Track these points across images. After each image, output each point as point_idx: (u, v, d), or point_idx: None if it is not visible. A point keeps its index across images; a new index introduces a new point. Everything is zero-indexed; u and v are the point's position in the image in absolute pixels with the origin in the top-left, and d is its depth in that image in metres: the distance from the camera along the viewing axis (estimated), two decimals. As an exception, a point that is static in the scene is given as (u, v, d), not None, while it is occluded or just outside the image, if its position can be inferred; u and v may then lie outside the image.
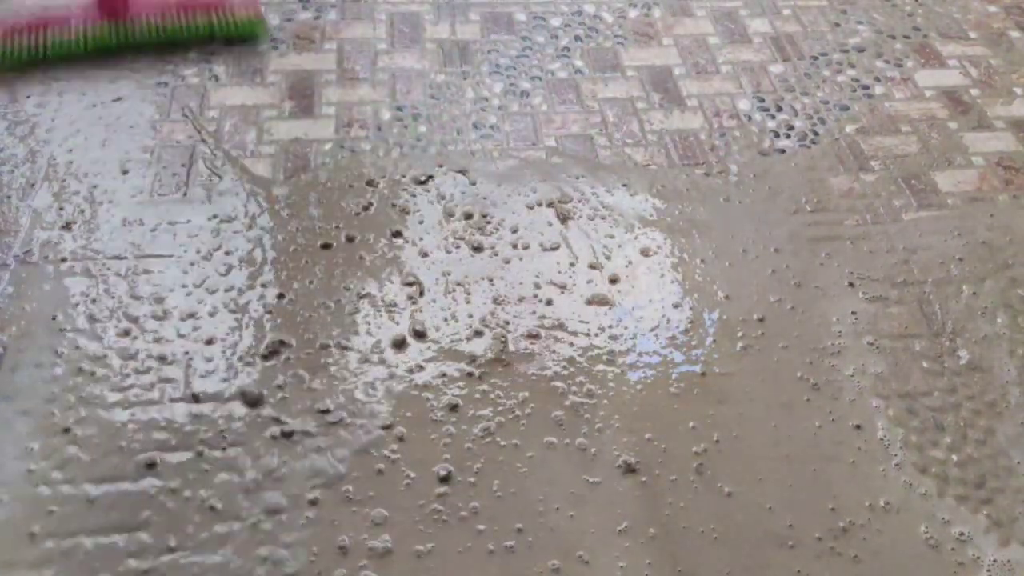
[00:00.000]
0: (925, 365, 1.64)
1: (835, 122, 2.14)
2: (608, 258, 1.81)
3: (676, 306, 1.73)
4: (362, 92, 2.14)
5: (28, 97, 2.08)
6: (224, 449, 1.46)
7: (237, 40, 2.23)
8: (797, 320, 1.71)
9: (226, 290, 1.69)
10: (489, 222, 1.86)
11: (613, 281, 1.76)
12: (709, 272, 1.79)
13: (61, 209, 1.82)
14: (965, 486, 1.48)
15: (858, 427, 1.55)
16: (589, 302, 1.73)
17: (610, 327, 1.68)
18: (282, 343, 1.61)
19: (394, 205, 1.88)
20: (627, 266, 1.79)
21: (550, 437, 1.51)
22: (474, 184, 1.94)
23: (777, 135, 2.10)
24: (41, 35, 2.09)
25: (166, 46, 2.20)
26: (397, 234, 1.82)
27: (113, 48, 2.15)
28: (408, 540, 1.37)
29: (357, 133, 2.04)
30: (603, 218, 1.88)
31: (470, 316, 1.68)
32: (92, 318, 1.63)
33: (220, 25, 2.21)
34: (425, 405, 1.54)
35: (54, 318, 1.62)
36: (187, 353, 1.58)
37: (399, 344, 1.63)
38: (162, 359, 1.57)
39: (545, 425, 1.52)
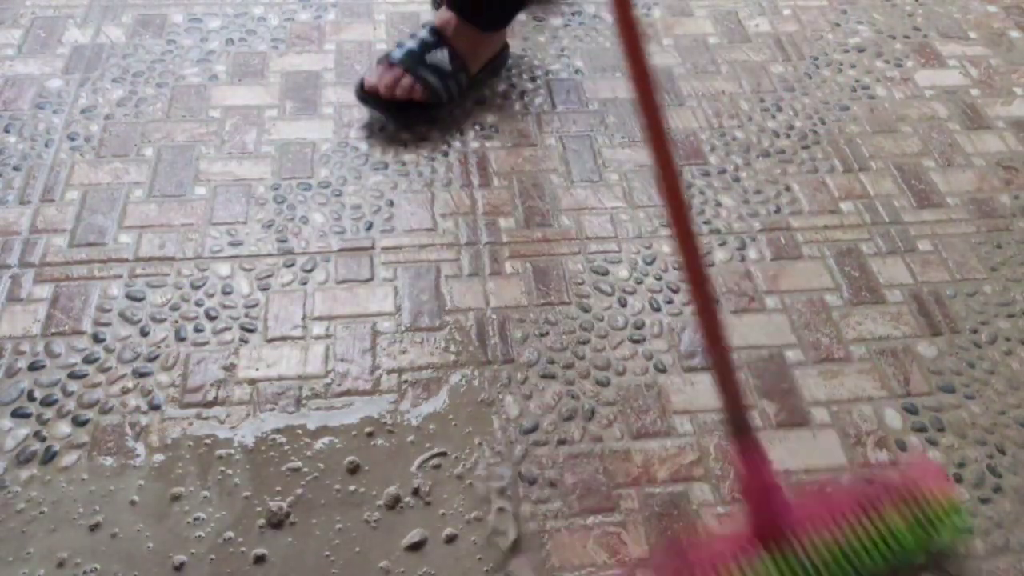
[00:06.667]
0: (925, 366, 1.64)
1: (835, 122, 2.14)
2: (608, 258, 1.81)
3: (676, 306, 1.73)
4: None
5: None
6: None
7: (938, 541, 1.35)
8: (797, 320, 1.72)
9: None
10: (489, 222, 1.87)
11: (613, 281, 1.77)
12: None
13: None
14: (965, 486, 1.48)
15: (858, 427, 1.55)
16: (589, 302, 1.73)
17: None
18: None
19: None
20: (627, 266, 1.80)
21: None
22: (474, 184, 1.94)
23: (777, 135, 2.10)
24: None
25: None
26: (397, 234, 1.83)
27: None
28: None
29: (358, 133, 2.04)
30: (603, 218, 1.89)
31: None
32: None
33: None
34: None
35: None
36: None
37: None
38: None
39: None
